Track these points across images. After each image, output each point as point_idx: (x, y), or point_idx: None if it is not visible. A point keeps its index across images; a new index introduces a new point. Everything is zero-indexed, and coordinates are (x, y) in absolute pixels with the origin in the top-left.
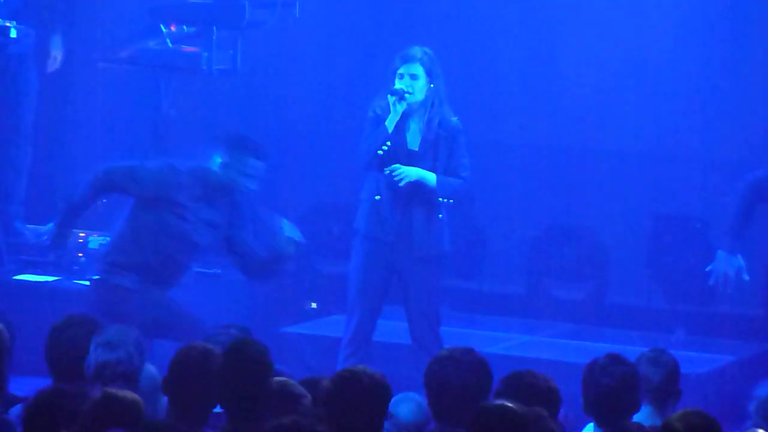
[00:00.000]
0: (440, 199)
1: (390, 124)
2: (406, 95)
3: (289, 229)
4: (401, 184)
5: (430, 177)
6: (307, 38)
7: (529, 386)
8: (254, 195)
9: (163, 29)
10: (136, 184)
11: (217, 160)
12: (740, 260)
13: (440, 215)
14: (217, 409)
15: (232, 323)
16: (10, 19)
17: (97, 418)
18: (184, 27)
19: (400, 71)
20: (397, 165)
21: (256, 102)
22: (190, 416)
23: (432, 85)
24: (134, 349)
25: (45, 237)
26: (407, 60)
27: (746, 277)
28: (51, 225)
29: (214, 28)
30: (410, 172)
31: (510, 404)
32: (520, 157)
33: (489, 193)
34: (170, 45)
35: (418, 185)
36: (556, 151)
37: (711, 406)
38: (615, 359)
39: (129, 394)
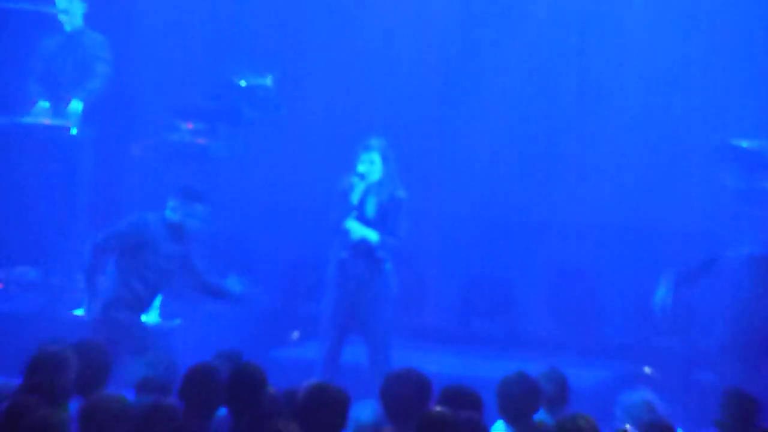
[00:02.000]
0: (379, 252)
1: (354, 198)
2: (365, 177)
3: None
4: (352, 238)
5: (372, 235)
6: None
7: (461, 395)
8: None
9: (182, 126)
10: (124, 239)
11: (169, 205)
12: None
13: (387, 267)
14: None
15: (225, 350)
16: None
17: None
18: (198, 123)
19: (362, 157)
20: (350, 224)
21: (247, 179)
22: (199, 416)
23: (384, 168)
24: (169, 368)
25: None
26: (367, 149)
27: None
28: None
29: (220, 124)
30: (357, 230)
31: (447, 410)
32: (455, 225)
33: (428, 250)
34: (187, 138)
35: (364, 242)
36: (484, 220)
37: (591, 410)
38: (521, 375)
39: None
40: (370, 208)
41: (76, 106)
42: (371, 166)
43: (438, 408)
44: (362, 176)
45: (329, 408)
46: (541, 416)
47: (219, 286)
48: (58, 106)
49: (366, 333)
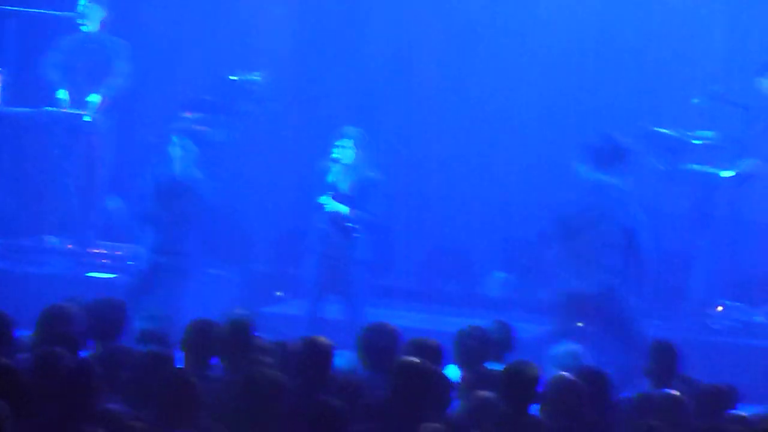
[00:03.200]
0: (349, 223)
1: (330, 178)
2: (339, 160)
3: None
4: (325, 210)
5: (343, 209)
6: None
7: (425, 347)
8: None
9: (185, 116)
10: None
11: None
12: None
13: (358, 236)
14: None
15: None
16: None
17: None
18: (198, 113)
19: (337, 143)
20: (324, 199)
21: (242, 161)
22: (198, 365)
23: (356, 153)
24: (167, 321)
25: None
26: (341, 136)
27: None
28: None
29: (216, 114)
30: (330, 205)
31: (415, 359)
32: (422, 200)
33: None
34: (189, 126)
35: (337, 214)
36: (446, 197)
37: (533, 358)
38: (473, 327)
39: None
40: (344, 187)
41: (94, 98)
42: (344, 151)
43: (410, 358)
44: (336, 160)
45: (316, 357)
46: (490, 364)
47: None
48: (75, 97)
49: (342, 292)
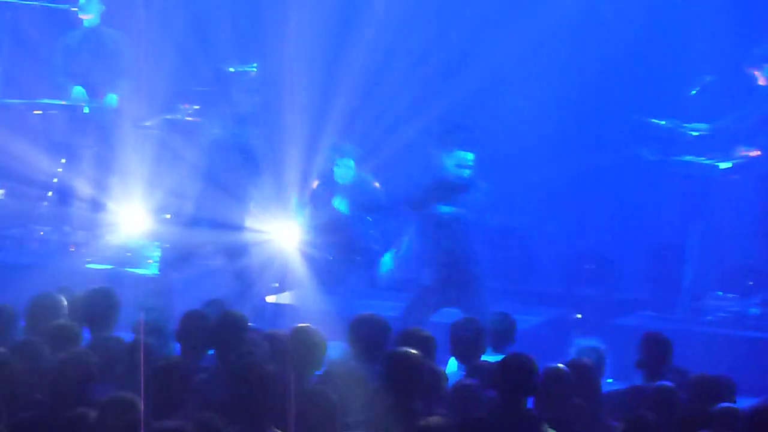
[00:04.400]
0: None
1: (337, 205)
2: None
3: None
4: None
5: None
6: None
7: (416, 337)
8: None
9: (179, 106)
10: None
11: None
12: None
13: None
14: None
15: (213, 299)
16: None
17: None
18: (194, 106)
19: (337, 162)
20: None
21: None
22: (193, 356)
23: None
24: (164, 314)
25: None
26: (340, 154)
27: None
28: None
29: (211, 105)
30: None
31: (409, 350)
32: None
33: None
34: (182, 117)
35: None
36: None
37: (530, 349)
38: (469, 320)
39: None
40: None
41: (111, 99)
42: (346, 170)
43: (400, 348)
44: (342, 186)
45: (309, 347)
46: (487, 355)
47: None
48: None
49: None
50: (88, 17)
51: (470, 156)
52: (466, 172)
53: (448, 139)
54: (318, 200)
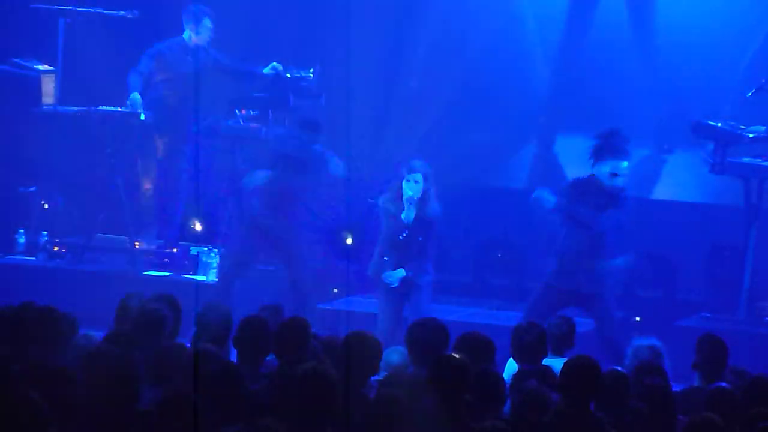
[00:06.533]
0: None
1: (406, 217)
2: (412, 197)
3: None
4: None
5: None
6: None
7: (476, 341)
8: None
9: (237, 112)
10: None
11: None
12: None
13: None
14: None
15: (270, 304)
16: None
17: None
18: (251, 111)
19: (407, 177)
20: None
21: None
22: (250, 361)
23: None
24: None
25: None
26: (412, 170)
27: None
28: None
29: (270, 111)
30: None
31: (456, 355)
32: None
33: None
34: (241, 123)
35: None
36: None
37: (592, 352)
38: (531, 324)
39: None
40: (408, 217)
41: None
42: (416, 186)
43: (452, 353)
44: (410, 199)
45: (366, 352)
46: (548, 358)
47: None
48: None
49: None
50: (196, 37)
51: (624, 164)
52: (620, 180)
53: (603, 146)
54: (384, 213)
